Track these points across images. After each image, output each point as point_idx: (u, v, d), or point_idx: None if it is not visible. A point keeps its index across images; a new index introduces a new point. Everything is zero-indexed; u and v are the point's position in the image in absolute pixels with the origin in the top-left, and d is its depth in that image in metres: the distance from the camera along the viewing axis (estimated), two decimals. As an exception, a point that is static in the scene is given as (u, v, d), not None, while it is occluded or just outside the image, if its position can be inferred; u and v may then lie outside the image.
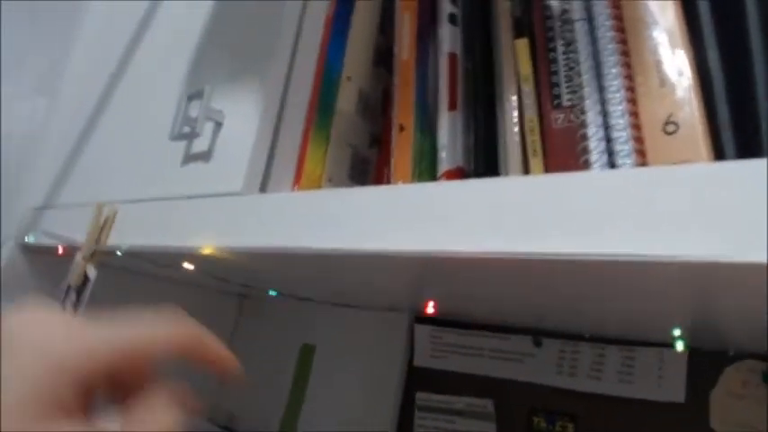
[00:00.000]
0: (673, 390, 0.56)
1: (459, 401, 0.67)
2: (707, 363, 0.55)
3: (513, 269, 0.35)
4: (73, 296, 0.54)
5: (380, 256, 0.36)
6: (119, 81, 0.68)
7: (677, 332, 0.41)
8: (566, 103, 0.45)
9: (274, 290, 0.52)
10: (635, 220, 0.27)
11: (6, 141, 1.45)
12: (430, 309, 0.47)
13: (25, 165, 0.75)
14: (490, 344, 0.67)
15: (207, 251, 0.45)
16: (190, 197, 0.49)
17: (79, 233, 0.55)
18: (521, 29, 0.49)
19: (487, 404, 0.65)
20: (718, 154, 0.38)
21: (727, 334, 0.51)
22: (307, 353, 0.77)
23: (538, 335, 0.64)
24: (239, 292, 0.87)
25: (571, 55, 0.45)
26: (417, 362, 0.70)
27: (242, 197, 0.45)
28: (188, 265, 0.50)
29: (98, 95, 0.70)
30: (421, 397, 0.69)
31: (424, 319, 0.71)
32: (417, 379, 0.70)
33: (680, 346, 0.40)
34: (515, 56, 0.49)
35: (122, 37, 0.71)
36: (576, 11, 0.46)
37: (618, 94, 0.41)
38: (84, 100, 0.72)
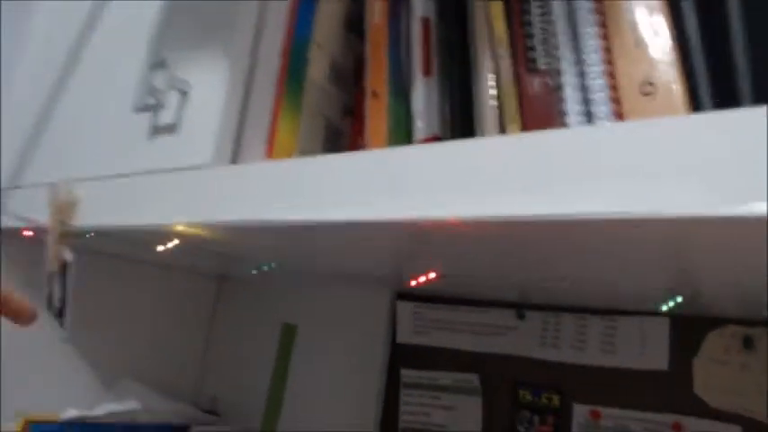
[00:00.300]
0: (656, 357, 0.55)
1: (445, 377, 0.66)
2: (689, 329, 0.55)
3: (491, 233, 0.34)
4: (57, 282, 0.53)
5: (354, 225, 0.35)
6: (80, 53, 0.66)
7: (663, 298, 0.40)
8: (542, 67, 0.43)
9: (252, 266, 0.51)
10: (616, 177, 0.26)
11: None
12: (422, 279, 0.46)
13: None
14: (473, 318, 0.66)
15: (178, 228, 0.43)
16: (158, 171, 0.47)
17: (46, 215, 0.53)
18: (495, -9, 0.48)
19: (473, 378, 0.65)
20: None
21: (709, 299, 0.51)
22: (288, 333, 0.76)
23: (521, 308, 0.63)
24: (218, 272, 0.85)
25: (546, 17, 0.44)
26: (401, 338, 0.69)
27: (211, 169, 0.44)
28: (161, 246, 0.49)
29: (58, 69, 0.67)
30: (406, 374, 0.69)
31: (406, 296, 0.70)
32: (401, 356, 0.69)
33: (664, 308, 0.39)
34: (490, 19, 0.47)
35: (82, 7, 0.68)
36: (551, -30, 0.44)
37: (594, 55, 0.40)
38: (45, 77, 0.69)
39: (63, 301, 0.50)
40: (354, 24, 0.57)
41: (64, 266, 0.50)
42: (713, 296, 0.49)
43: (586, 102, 0.40)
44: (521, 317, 0.63)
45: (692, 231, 0.27)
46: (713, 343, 0.54)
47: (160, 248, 0.49)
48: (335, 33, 0.55)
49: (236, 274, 0.84)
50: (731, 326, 0.53)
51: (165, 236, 0.47)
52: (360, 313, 0.71)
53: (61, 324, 0.50)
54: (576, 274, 0.45)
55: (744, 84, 0.37)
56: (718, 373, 0.53)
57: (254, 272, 0.64)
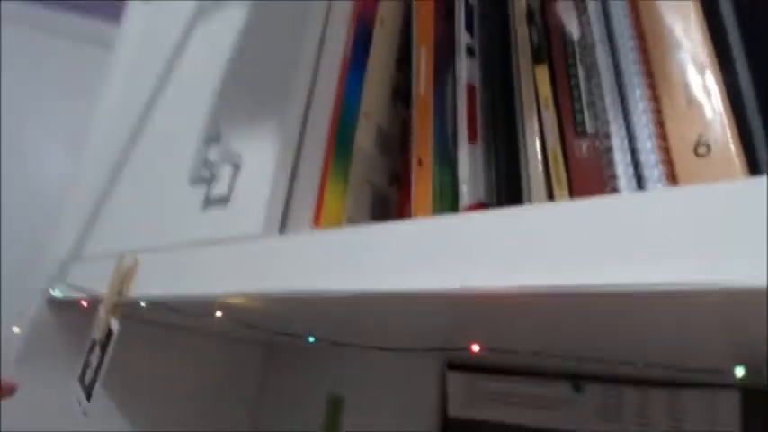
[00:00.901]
0: (728, 434, 0.51)
1: (498, 452, 0.63)
2: (762, 402, 0.51)
3: (542, 304, 0.33)
4: (97, 351, 0.54)
5: (401, 296, 0.35)
6: (141, 131, 0.69)
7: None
8: (590, 130, 0.43)
9: (300, 336, 0.51)
10: (670, 244, 0.25)
11: (38, 199, 1.49)
12: (475, 348, 0.45)
13: (55, 220, 0.76)
14: (527, 390, 0.63)
15: (227, 299, 0.44)
16: (210, 242, 0.48)
17: (104, 285, 0.55)
18: (540, 56, 0.48)
19: (527, 454, 0.61)
20: (755, 173, 0.35)
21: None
22: (335, 404, 0.75)
23: (577, 379, 0.60)
24: (266, 341, 0.85)
25: (592, 80, 0.44)
26: (452, 411, 0.67)
27: (260, 239, 0.44)
28: (218, 313, 0.49)
29: (122, 146, 0.71)
30: (457, 448, 0.66)
31: (457, 366, 0.68)
32: (453, 429, 0.67)
33: (740, 372, 0.36)
34: (535, 83, 0.47)
35: (144, 88, 0.72)
36: (596, 34, 0.44)
37: (643, 117, 0.39)
38: (109, 152, 0.73)
39: (96, 371, 0.50)
40: (401, 93, 0.58)
41: (108, 336, 0.51)
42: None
43: (636, 164, 0.39)
44: (577, 389, 0.60)
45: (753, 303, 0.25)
46: (792, 419, 0.50)
47: (209, 318, 0.49)
48: (383, 102, 0.57)
49: (283, 343, 0.84)
50: (810, 399, 0.49)
51: (213, 306, 0.47)
52: (409, 384, 0.69)
53: (87, 396, 0.51)
54: (636, 348, 0.43)
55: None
56: (799, 451, 0.49)
57: (304, 343, 0.64)
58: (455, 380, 0.67)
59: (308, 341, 0.50)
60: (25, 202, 1.57)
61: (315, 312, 0.44)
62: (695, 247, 0.24)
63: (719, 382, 0.53)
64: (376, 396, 0.71)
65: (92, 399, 0.50)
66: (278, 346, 0.86)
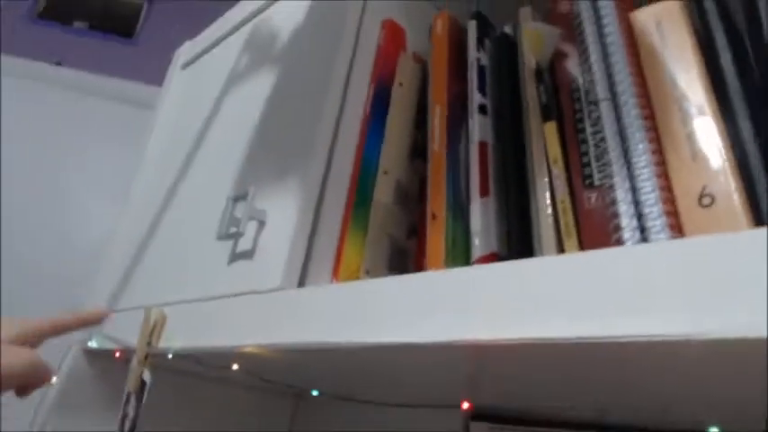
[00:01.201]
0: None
1: (524, 506, 0.62)
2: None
3: (556, 355, 0.33)
4: (133, 401, 0.56)
5: (411, 347, 0.36)
6: (175, 191, 0.73)
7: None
8: (597, 183, 0.44)
9: (318, 389, 0.52)
10: (675, 295, 0.26)
11: (78, 254, 1.55)
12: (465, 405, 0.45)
13: (94, 274, 0.80)
14: (552, 440, 0.63)
15: (245, 350, 0.45)
16: (233, 295, 0.51)
17: (136, 337, 0.57)
18: (548, 113, 0.50)
19: (553, 508, 0.60)
20: (759, 225, 0.36)
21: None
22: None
23: (601, 429, 0.60)
24: (293, 392, 0.86)
25: (599, 134, 0.45)
26: (476, 462, 0.67)
27: (279, 293, 0.46)
28: (234, 366, 0.51)
29: (157, 205, 0.75)
30: (483, 501, 0.65)
31: (480, 416, 0.68)
32: (477, 481, 0.66)
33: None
34: (544, 139, 0.49)
35: (180, 150, 0.76)
36: (601, 91, 0.46)
37: (646, 170, 0.41)
38: (145, 210, 0.77)
39: (134, 422, 0.52)
40: (420, 150, 0.60)
41: (142, 387, 0.53)
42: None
43: (640, 216, 0.40)
44: (602, 440, 0.59)
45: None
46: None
47: (234, 367, 0.51)
48: (401, 159, 0.59)
49: (313, 396, 0.85)
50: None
51: (236, 357, 0.49)
52: (434, 434, 0.69)
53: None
54: (654, 396, 0.43)
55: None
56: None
57: (317, 393, 0.65)
58: (479, 430, 0.67)
59: (315, 395, 0.51)
60: (66, 257, 1.64)
61: (328, 364, 0.45)
62: (696, 297, 0.25)
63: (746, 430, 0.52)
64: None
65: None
66: (307, 399, 0.87)
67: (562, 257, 0.39)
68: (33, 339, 0.54)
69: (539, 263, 0.34)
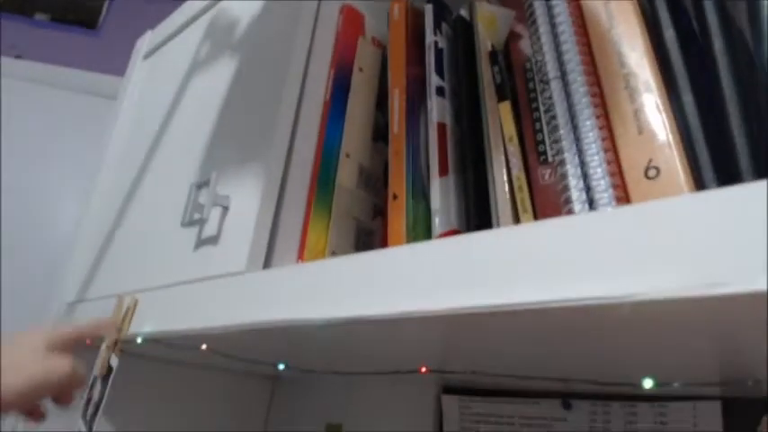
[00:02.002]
0: (710, 445, 0.53)
1: (493, 474, 0.65)
2: (743, 413, 0.52)
3: (514, 322, 0.34)
4: (98, 386, 0.56)
5: (372, 321, 0.37)
6: (140, 180, 0.73)
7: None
8: (551, 159, 0.46)
9: (284, 363, 0.53)
10: (621, 259, 0.27)
11: (51, 245, 1.54)
12: (422, 369, 0.47)
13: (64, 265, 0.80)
14: (520, 410, 0.65)
15: (212, 331, 0.46)
16: (200, 280, 0.51)
17: (106, 324, 0.58)
18: (503, 93, 0.51)
19: (522, 474, 0.63)
20: (701, 193, 0.38)
21: (759, 379, 0.49)
22: (333, 432, 0.77)
23: (566, 397, 0.62)
24: (271, 375, 0.87)
25: (551, 113, 0.47)
26: (448, 435, 0.69)
27: (244, 275, 0.47)
28: (203, 346, 0.52)
29: (122, 195, 0.75)
30: (454, 472, 0.67)
31: (451, 389, 0.70)
32: (449, 453, 0.68)
33: (648, 383, 0.38)
34: (500, 119, 0.50)
35: (143, 140, 0.76)
36: (551, 70, 0.47)
37: (594, 145, 0.42)
38: (111, 200, 0.77)
39: (98, 405, 0.53)
40: (382, 133, 0.61)
41: (108, 372, 0.53)
42: (763, 374, 0.47)
43: (588, 189, 0.41)
44: (567, 407, 0.62)
45: (727, 309, 0.26)
46: (770, 427, 0.51)
47: (204, 347, 0.52)
48: (363, 143, 0.60)
49: (287, 377, 0.86)
50: (787, 408, 0.51)
51: (205, 338, 0.50)
52: (405, 409, 0.71)
53: (89, 430, 0.53)
54: (616, 363, 0.45)
55: (744, 161, 0.38)
56: (778, 460, 0.50)
57: (274, 371, 0.66)
58: (450, 403, 0.69)
59: (281, 368, 0.52)
60: (35, 253, 1.62)
61: (293, 340, 0.46)
62: (639, 260, 0.26)
63: (702, 394, 0.55)
64: (374, 422, 0.73)
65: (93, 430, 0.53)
66: (282, 380, 0.89)
67: (514, 228, 0.40)
68: (71, 346, 0.53)
69: (494, 234, 0.35)
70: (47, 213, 1.74)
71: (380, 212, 0.60)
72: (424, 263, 0.35)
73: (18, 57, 1.99)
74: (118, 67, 1.20)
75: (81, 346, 0.53)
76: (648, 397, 0.58)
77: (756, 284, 0.22)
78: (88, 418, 0.56)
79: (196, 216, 0.55)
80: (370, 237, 0.59)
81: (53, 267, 0.85)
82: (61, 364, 0.49)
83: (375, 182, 0.60)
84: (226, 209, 0.54)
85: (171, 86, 0.77)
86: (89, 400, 0.55)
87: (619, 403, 0.59)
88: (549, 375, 0.55)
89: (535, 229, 0.32)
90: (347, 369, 0.50)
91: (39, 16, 2.16)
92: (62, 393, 0.51)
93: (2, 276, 1.60)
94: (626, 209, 0.29)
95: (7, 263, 1.63)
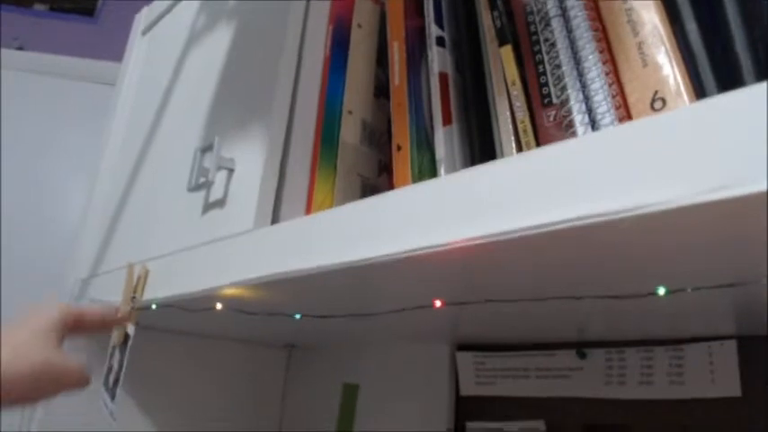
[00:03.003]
0: (727, 384, 0.52)
1: (511, 426, 0.65)
2: (759, 350, 0.52)
3: (527, 247, 0.34)
4: (117, 355, 0.57)
5: (393, 260, 0.36)
6: (145, 154, 0.73)
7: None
8: (555, 101, 0.45)
9: (300, 313, 0.53)
10: (629, 173, 0.27)
11: (62, 232, 1.55)
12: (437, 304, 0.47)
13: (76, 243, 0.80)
14: (535, 363, 0.65)
15: (225, 289, 0.47)
16: (210, 242, 0.51)
17: (119, 295, 0.58)
18: (504, 37, 0.50)
19: (539, 425, 0.63)
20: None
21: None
22: (349, 393, 0.77)
23: (581, 347, 0.62)
24: (287, 343, 0.88)
25: (553, 53, 0.46)
26: (464, 391, 0.69)
27: (252, 232, 0.47)
28: (218, 305, 0.52)
29: (128, 170, 0.75)
30: (472, 426, 0.68)
31: (466, 347, 0.70)
32: (466, 408, 0.69)
33: (661, 290, 0.37)
34: (502, 63, 0.50)
35: (145, 115, 0.76)
36: (552, 8, 0.47)
37: (597, 80, 0.42)
38: (117, 177, 0.77)
39: (118, 373, 0.53)
40: (384, 89, 0.61)
41: (125, 340, 0.54)
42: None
43: (593, 124, 0.41)
44: (582, 356, 0.62)
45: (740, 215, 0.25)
46: (788, 362, 0.51)
47: (219, 307, 0.52)
48: (365, 99, 0.59)
49: (303, 342, 0.87)
50: (804, 342, 0.50)
51: (213, 298, 0.50)
52: (422, 368, 0.71)
53: (112, 398, 0.54)
54: (633, 304, 0.44)
55: (749, 79, 0.38)
56: (798, 394, 0.50)
57: (291, 320, 0.66)
58: (465, 360, 0.69)
59: (297, 318, 0.52)
60: (46, 240, 1.64)
61: (301, 292, 0.46)
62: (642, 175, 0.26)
63: (718, 334, 0.54)
64: (391, 383, 0.74)
65: (116, 400, 0.54)
66: (298, 348, 0.89)
67: (516, 156, 0.40)
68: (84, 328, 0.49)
69: (497, 164, 0.34)
70: (55, 204, 1.75)
71: (386, 169, 0.59)
72: (430, 200, 0.35)
73: (20, 48, 1.99)
74: (118, 53, 1.19)
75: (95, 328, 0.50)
76: (663, 341, 0.57)
77: (757, 186, 0.22)
78: (111, 385, 0.56)
79: (202, 180, 0.55)
80: (375, 192, 0.58)
81: (63, 253, 0.86)
82: (67, 358, 0.44)
83: (379, 138, 0.60)
84: (231, 171, 0.54)
85: (170, 58, 0.77)
86: (110, 369, 0.56)
87: (634, 349, 0.59)
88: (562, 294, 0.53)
89: (538, 155, 0.31)
90: (361, 312, 0.50)
91: (38, 6, 2.16)
92: (59, 389, 0.44)
93: (12, 264, 1.62)
94: (626, 125, 0.28)
95: (17, 252, 1.65)
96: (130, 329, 0.55)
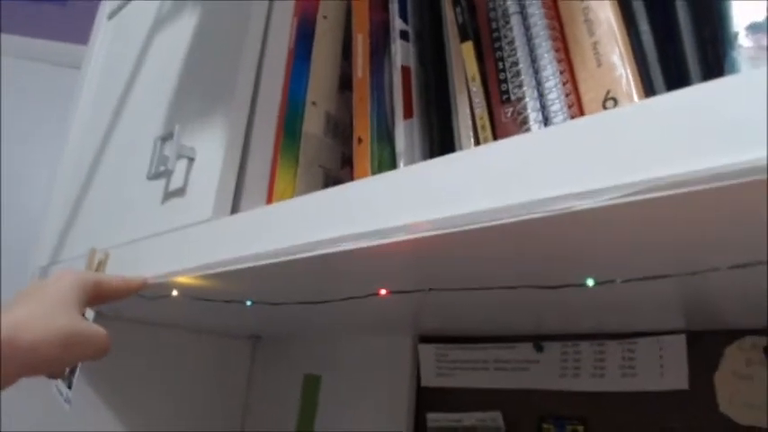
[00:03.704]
0: (675, 377, 0.54)
1: (469, 418, 0.66)
2: (707, 345, 0.53)
3: (475, 237, 0.34)
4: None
5: (339, 252, 0.37)
6: (107, 141, 0.72)
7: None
8: (512, 98, 0.46)
9: (251, 300, 0.53)
10: (571, 168, 0.27)
11: (25, 213, 1.53)
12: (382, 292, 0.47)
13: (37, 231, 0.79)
14: (494, 355, 0.66)
15: (180, 276, 0.47)
16: (169, 231, 0.51)
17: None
18: (466, 34, 0.51)
19: (497, 417, 0.64)
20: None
21: (723, 309, 0.49)
22: (311, 384, 0.77)
23: (538, 340, 0.63)
24: (251, 335, 0.88)
25: (512, 49, 0.47)
26: (425, 382, 0.70)
27: (210, 221, 0.47)
28: (174, 292, 0.52)
29: (90, 157, 0.74)
30: (432, 417, 0.69)
31: (427, 339, 0.70)
32: (427, 399, 0.70)
33: (590, 282, 0.39)
34: (463, 59, 0.50)
35: (109, 101, 0.75)
36: (512, 5, 0.47)
37: (552, 78, 0.42)
38: (80, 164, 0.76)
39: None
40: (349, 81, 0.61)
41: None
42: (727, 305, 0.48)
43: (546, 121, 0.42)
44: (539, 349, 0.63)
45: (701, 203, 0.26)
46: (733, 357, 0.52)
47: (174, 293, 0.52)
48: (329, 91, 0.60)
49: (267, 335, 0.87)
50: (749, 337, 0.52)
51: (170, 286, 0.50)
52: (383, 359, 0.72)
53: (68, 384, 0.53)
54: (585, 297, 0.45)
55: (696, 79, 0.39)
56: (742, 388, 0.52)
57: (242, 306, 0.66)
58: (426, 352, 0.70)
59: (248, 304, 0.52)
60: (10, 226, 1.61)
61: (257, 281, 0.46)
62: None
63: (667, 329, 0.56)
64: (353, 374, 0.74)
65: (72, 388, 0.53)
66: (263, 340, 0.89)
67: (470, 150, 0.40)
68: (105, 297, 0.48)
69: (451, 157, 0.35)
70: (19, 189, 1.72)
71: (349, 161, 0.60)
72: (387, 190, 0.35)
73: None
74: (86, 36, 1.17)
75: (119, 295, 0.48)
76: (616, 335, 0.59)
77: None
78: (67, 373, 0.56)
79: (161, 169, 0.54)
80: (338, 184, 0.58)
81: (26, 238, 0.85)
82: (94, 326, 0.44)
83: (343, 130, 0.60)
84: (191, 160, 0.54)
85: (135, 45, 0.76)
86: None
87: (588, 342, 0.60)
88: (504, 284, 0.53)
89: (490, 148, 0.32)
90: (313, 299, 0.50)
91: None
92: (84, 357, 0.44)
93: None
94: (575, 121, 0.29)
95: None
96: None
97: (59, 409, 0.54)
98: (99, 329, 0.44)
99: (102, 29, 0.91)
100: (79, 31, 1.50)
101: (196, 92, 0.60)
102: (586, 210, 0.26)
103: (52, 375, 0.48)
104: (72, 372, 0.54)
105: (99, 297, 0.47)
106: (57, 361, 0.41)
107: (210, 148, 0.53)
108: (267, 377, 0.86)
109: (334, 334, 0.77)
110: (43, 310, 0.42)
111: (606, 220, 0.28)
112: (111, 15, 0.90)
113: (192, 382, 0.83)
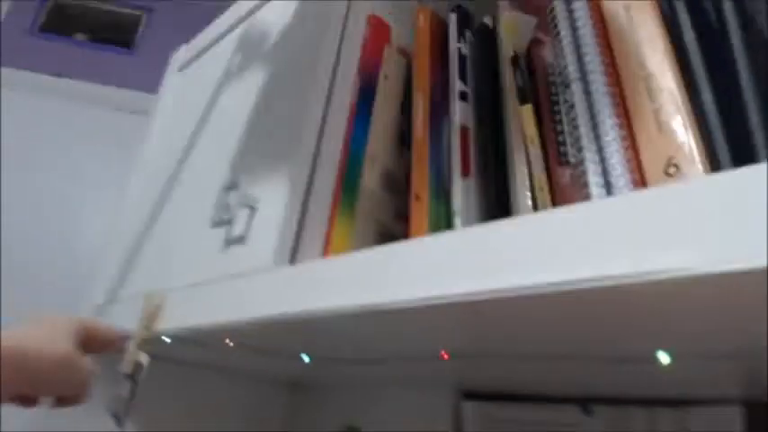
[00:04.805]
0: (733, 451, 0.52)
1: (513, 480, 0.64)
2: (764, 415, 0.51)
3: (536, 306, 0.35)
4: (127, 384, 0.58)
5: (396, 310, 0.37)
6: (171, 187, 0.75)
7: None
8: (572, 160, 0.46)
9: (294, 357, 0.54)
10: (638, 240, 0.28)
11: (83, 258, 1.58)
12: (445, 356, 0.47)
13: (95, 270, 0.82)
14: (539, 416, 0.65)
15: (235, 325, 0.48)
16: (228, 278, 0.53)
17: (135, 323, 0.59)
18: (525, 96, 0.52)
19: (542, 481, 0.62)
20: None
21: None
22: (353, 434, 0.77)
23: (587, 402, 0.62)
24: (290, 381, 0.88)
25: (572, 114, 0.48)
26: (468, 440, 0.69)
27: (269, 270, 0.48)
28: (228, 341, 0.53)
29: (153, 201, 0.77)
30: (474, 478, 0.67)
31: (471, 395, 0.70)
32: (469, 458, 0.68)
33: (664, 358, 0.38)
34: (522, 121, 0.51)
35: (175, 149, 0.79)
36: (572, 72, 0.48)
37: (614, 143, 0.43)
38: (142, 207, 0.79)
39: (127, 403, 0.54)
40: (408, 138, 0.63)
41: (137, 370, 0.55)
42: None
43: (608, 186, 0.42)
44: (587, 412, 0.61)
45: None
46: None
47: (222, 346, 0.53)
48: (388, 146, 0.61)
49: (307, 383, 0.87)
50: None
51: (224, 334, 0.51)
52: (425, 413, 0.71)
53: (119, 425, 0.54)
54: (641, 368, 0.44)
55: (763, 156, 0.39)
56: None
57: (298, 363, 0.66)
58: (469, 408, 0.69)
59: (306, 361, 0.53)
60: (67, 266, 1.67)
61: (312, 334, 0.47)
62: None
63: (724, 398, 0.54)
64: (394, 428, 0.73)
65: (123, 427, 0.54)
66: (301, 385, 0.89)
67: (531, 215, 0.41)
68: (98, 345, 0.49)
69: (511, 222, 0.35)
70: (79, 230, 1.78)
71: (404, 216, 0.61)
72: (445, 251, 0.36)
73: (58, 75, 2.07)
74: (153, 84, 1.23)
75: (108, 347, 0.51)
76: (669, 401, 0.57)
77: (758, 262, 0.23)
78: (117, 414, 0.57)
79: (225, 217, 0.56)
80: (392, 239, 0.59)
81: (84, 282, 0.88)
82: (88, 360, 0.46)
83: (399, 186, 0.62)
84: (253, 209, 0.56)
85: (203, 96, 0.80)
86: (118, 397, 0.57)
87: (640, 408, 0.59)
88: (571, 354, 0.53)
89: (552, 216, 0.32)
90: (370, 357, 0.51)
91: (79, 36, 2.24)
92: (75, 389, 0.46)
93: (31, 292, 1.64)
94: (640, 192, 0.30)
95: (36, 279, 1.68)
96: (144, 359, 0.56)
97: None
98: (91, 367, 0.46)
99: (172, 80, 0.96)
100: (149, 80, 1.58)
101: (260, 144, 0.62)
102: (656, 280, 0.26)
103: (38, 393, 0.47)
104: (124, 411, 0.55)
105: (91, 344, 0.48)
106: (52, 380, 0.43)
107: (273, 198, 0.54)
108: (303, 425, 0.86)
109: (375, 385, 0.77)
110: (46, 333, 0.45)
111: (674, 293, 0.28)
112: (182, 68, 0.95)
113: (224, 425, 0.84)
